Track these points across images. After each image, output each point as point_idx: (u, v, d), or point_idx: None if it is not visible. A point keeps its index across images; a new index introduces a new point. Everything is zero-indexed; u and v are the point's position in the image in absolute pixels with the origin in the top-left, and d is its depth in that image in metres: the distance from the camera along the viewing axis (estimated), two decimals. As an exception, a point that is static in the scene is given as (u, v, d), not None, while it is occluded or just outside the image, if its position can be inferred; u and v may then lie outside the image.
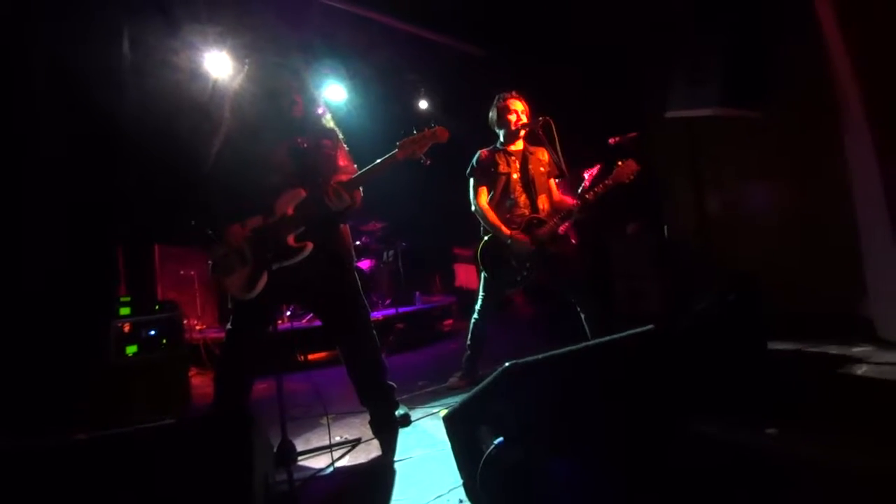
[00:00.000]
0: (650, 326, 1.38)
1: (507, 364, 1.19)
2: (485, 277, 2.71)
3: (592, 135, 2.96)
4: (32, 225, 2.53)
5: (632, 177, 2.46)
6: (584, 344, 1.34)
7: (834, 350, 2.53)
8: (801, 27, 2.98)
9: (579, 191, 2.58)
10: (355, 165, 2.02)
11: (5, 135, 2.51)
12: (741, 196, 3.70)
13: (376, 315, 4.30)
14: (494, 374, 1.23)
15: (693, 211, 3.92)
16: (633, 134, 2.73)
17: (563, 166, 2.56)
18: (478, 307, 2.77)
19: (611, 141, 2.80)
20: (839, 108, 2.75)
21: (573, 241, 2.71)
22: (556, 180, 2.76)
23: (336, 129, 2.10)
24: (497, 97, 2.75)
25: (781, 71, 3.23)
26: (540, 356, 1.24)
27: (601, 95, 4.19)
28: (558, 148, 2.51)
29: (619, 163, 2.49)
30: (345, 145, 2.09)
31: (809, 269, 3.16)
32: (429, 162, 1.86)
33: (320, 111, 2.09)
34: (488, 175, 2.68)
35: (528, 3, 4.32)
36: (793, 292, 3.01)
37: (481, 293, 2.75)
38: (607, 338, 1.40)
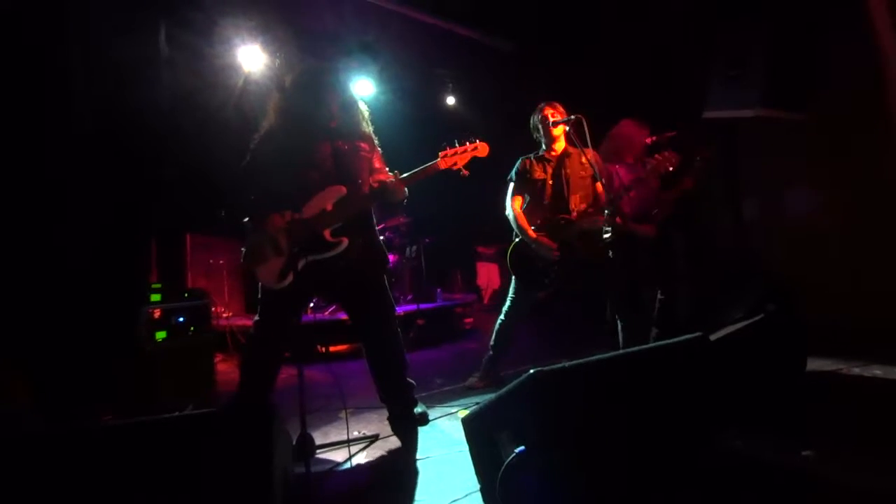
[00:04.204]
0: (698, 334, 1.31)
1: (532, 371, 1.15)
2: (515, 280, 2.71)
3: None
4: (72, 216, 2.63)
5: (671, 166, 2.39)
6: (613, 353, 1.29)
7: (878, 370, 2.38)
8: (849, 20, 2.80)
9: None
10: (387, 169, 2.06)
11: (45, 127, 2.61)
12: (782, 198, 3.52)
13: (398, 310, 4.30)
14: (519, 380, 1.19)
15: (730, 213, 3.76)
16: (671, 133, 2.65)
17: (597, 167, 2.50)
18: (505, 308, 2.76)
19: (647, 140, 2.73)
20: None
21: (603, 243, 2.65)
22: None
23: (373, 135, 2.15)
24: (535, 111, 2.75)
25: (829, 68, 3.05)
26: (567, 364, 1.20)
27: (635, 93, 4.06)
28: (590, 147, 2.45)
29: (657, 156, 2.42)
30: (379, 149, 2.15)
31: (857, 277, 2.98)
32: (467, 173, 1.96)
33: (359, 117, 2.12)
34: (525, 182, 2.69)
35: (560, -1, 4.22)
36: (837, 303, 2.85)
37: (511, 295, 2.76)
38: (637, 348, 1.34)
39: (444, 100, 5.61)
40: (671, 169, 2.40)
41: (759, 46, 3.13)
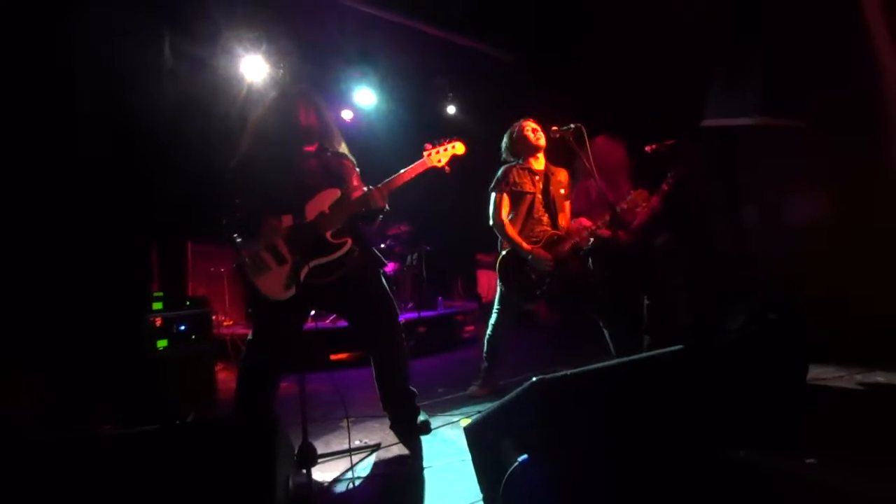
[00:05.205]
0: (680, 347, 1.32)
1: (534, 379, 1.15)
2: (501, 292, 2.69)
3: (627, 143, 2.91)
4: (75, 223, 2.64)
5: (643, 204, 2.57)
6: (616, 361, 1.29)
7: (880, 376, 2.37)
8: (846, 24, 2.83)
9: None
10: (365, 188, 2.08)
11: (48, 133, 2.63)
12: (782, 203, 3.51)
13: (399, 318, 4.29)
14: (521, 388, 1.19)
15: (730, 219, 3.76)
16: (670, 142, 2.67)
17: (595, 174, 2.52)
18: (492, 321, 2.73)
19: (647, 149, 2.75)
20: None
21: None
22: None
23: (350, 156, 2.20)
24: (510, 129, 2.77)
25: (826, 72, 3.07)
26: (569, 372, 1.20)
27: (634, 102, 4.08)
28: (590, 155, 2.47)
29: (632, 192, 2.56)
30: (357, 170, 2.19)
31: (857, 282, 2.96)
32: (448, 170, 2.05)
33: (337, 140, 2.16)
34: (512, 193, 2.68)
35: (559, 8, 4.27)
36: (838, 308, 2.84)
37: (497, 307, 2.72)
38: (641, 355, 1.34)
39: (444, 108, 5.66)
40: (643, 205, 2.62)
41: (758, 54, 3.17)
